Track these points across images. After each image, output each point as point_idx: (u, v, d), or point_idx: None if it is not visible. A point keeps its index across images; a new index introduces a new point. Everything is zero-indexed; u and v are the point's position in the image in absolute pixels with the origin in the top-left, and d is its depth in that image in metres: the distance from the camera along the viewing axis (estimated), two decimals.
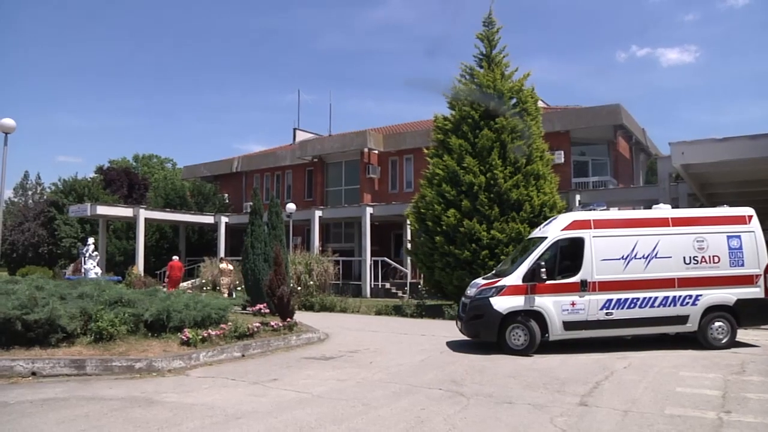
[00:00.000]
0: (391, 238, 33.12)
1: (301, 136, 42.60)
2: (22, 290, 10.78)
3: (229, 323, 12.15)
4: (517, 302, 11.70)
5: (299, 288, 21.84)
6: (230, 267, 24.00)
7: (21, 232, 39.55)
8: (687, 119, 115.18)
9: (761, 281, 11.89)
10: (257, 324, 12.55)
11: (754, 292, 11.88)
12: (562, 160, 26.52)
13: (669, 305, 11.84)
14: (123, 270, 29.84)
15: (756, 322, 12.35)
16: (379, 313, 20.19)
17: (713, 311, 11.89)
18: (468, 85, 20.63)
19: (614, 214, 13.42)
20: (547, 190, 19.59)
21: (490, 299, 11.88)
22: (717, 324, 11.89)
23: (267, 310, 14.80)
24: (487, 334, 11.96)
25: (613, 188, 26.05)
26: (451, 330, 15.18)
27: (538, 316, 11.66)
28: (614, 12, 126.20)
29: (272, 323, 13.14)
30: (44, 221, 39.62)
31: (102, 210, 31.53)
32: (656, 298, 11.84)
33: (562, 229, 12.41)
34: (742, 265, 11.96)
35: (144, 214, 31.79)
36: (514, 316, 11.67)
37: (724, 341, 11.82)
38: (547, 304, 11.68)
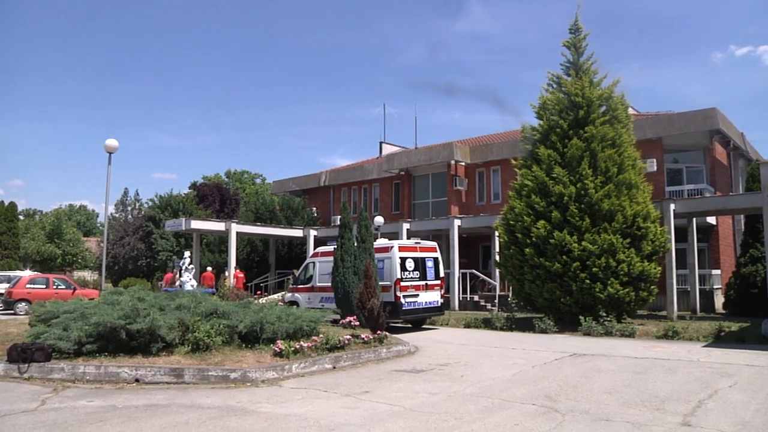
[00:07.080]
0: (479, 250, 32.89)
1: (387, 149, 42.89)
2: (126, 301, 11.34)
3: (321, 335, 12.31)
4: (291, 296, 21.68)
5: None
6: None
7: (122, 246, 41.45)
8: None
9: (392, 291, 17.92)
10: (348, 336, 12.67)
11: (390, 297, 17.80)
12: (655, 168, 25.67)
13: None
14: (216, 282, 30.77)
15: (392, 317, 17.89)
16: (468, 326, 20.02)
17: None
18: (555, 94, 20.28)
19: (329, 248, 20.39)
20: (640, 200, 18.96)
21: (285, 294, 23.42)
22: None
23: (357, 323, 14.95)
24: None
25: (710, 196, 24.82)
26: (543, 344, 14.91)
27: (297, 304, 19.80)
28: (709, 11, 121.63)
29: (362, 336, 13.22)
30: (142, 235, 41.34)
31: (196, 224, 32.56)
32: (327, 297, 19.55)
33: (310, 257, 22.72)
34: (385, 278, 17.98)
35: (235, 228, 32.52)
36: (291, 303, 20.01)
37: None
38: (299, 297, 21.13)
